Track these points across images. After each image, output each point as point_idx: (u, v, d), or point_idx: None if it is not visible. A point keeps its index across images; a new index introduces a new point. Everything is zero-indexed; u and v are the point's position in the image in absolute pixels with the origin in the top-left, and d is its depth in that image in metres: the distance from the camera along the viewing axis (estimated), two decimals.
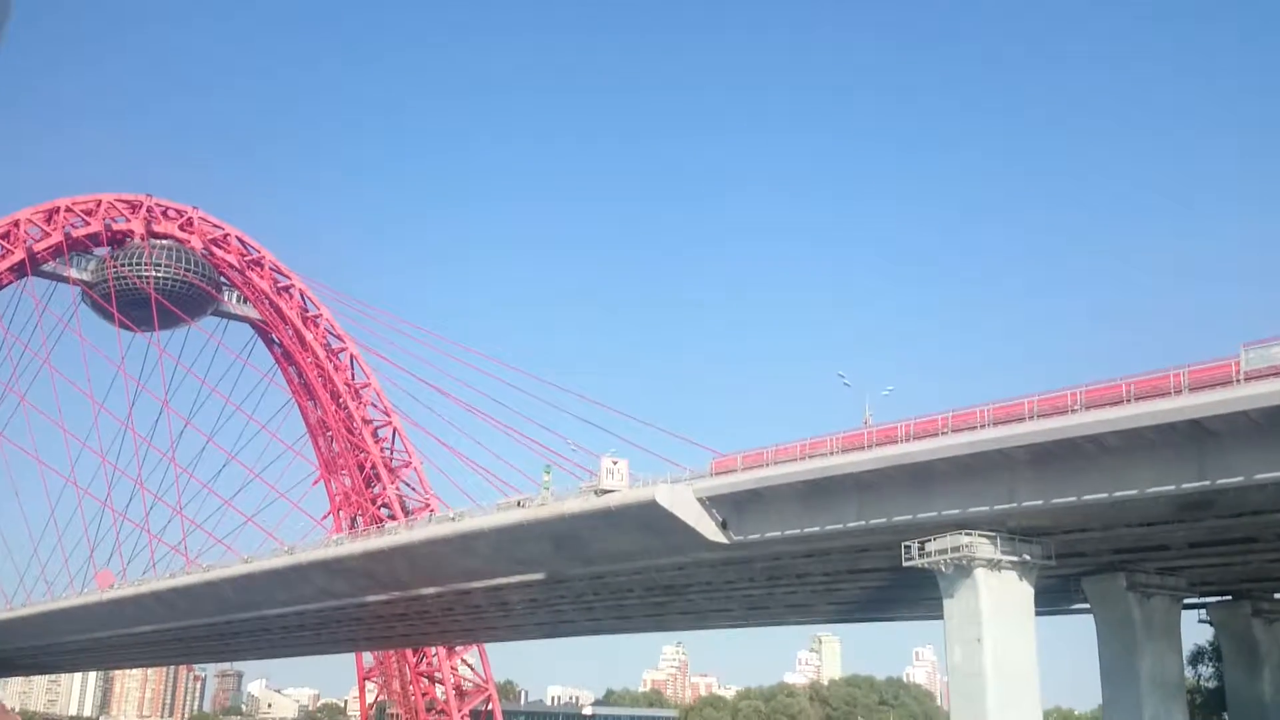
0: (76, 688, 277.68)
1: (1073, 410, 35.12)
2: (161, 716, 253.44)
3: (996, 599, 38.73)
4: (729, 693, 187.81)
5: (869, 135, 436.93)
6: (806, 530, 44.03)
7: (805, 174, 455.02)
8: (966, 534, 38.79)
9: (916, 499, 40.50)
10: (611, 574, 57.45)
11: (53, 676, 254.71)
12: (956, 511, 39.21)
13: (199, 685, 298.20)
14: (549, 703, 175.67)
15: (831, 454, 41.94)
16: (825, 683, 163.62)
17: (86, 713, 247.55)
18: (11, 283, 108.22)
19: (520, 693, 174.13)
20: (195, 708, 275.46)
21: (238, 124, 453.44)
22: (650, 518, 47.39)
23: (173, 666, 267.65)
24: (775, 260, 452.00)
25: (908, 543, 40.65)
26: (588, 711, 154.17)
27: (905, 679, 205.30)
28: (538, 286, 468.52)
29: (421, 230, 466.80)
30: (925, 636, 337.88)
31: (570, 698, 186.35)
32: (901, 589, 52.27)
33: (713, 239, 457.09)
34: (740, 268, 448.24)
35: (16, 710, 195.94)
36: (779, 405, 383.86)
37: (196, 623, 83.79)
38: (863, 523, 42.04)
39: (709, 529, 46.59)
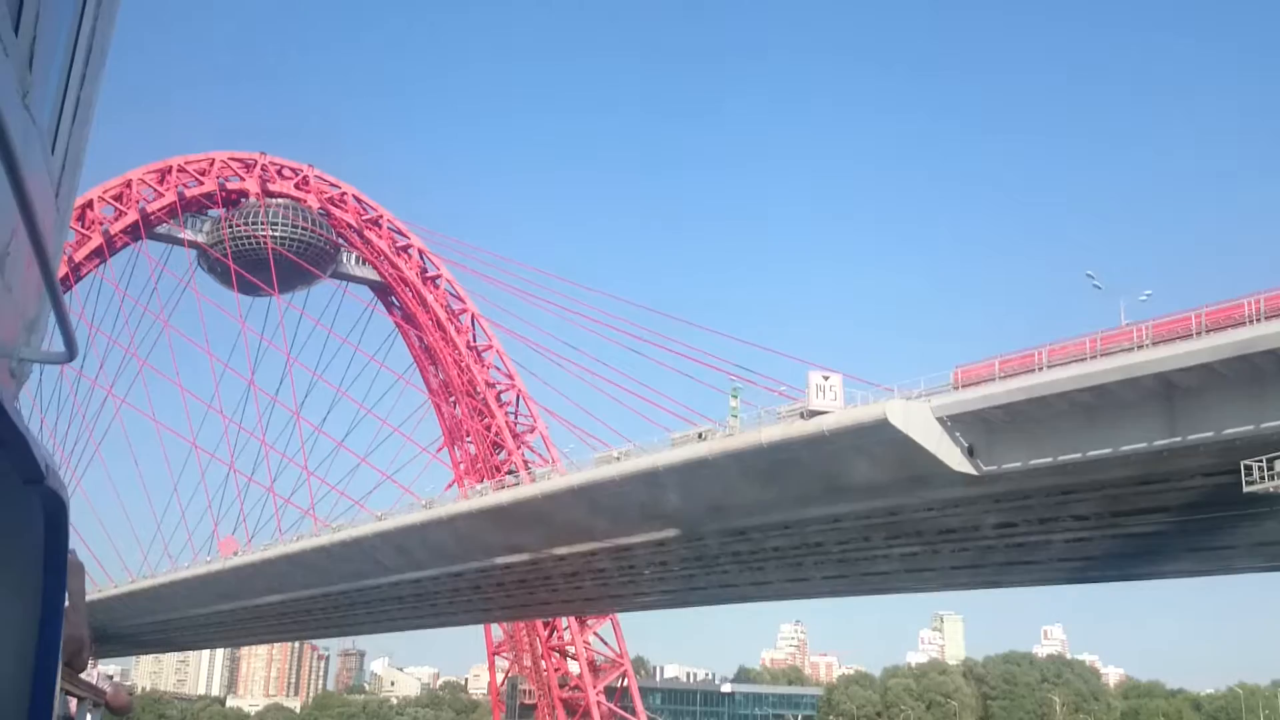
0: (204, 668, 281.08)
1: None
2: (287, 696, 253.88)
3: None
4: (851, 672, 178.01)
5: None
6: (1091, 454, 34.40)
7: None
8: None
9: (1254, 405, 30.77)
10: (799, 523, 48.72)
11: (181, 656, 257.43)
12: None
13: (323, 664, 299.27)
14: (685, 679, 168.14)
15: (1139, 347, 32.24)
16: (979, 660, 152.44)
17: (214, 692, 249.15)
18: (127, 244, 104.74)
19: (655, 669, 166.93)
20: (320, 687, 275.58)
21: (347, 82, 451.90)
22: (874, 444, 38.50)
23: (297, 646, 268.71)
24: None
25: (1248, 462, 30.89)
26: (726, 689, 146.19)
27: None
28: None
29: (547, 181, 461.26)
30: (1053, 615, 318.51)
31: (706, 674, 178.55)
32: (1178, 535, 42.59)
33: None
34: None
35: (146, 689, 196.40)
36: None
37: (324, 590, 77.87)
38: (1177, 439, 32.37)
39: (953, 457, 37.28)
